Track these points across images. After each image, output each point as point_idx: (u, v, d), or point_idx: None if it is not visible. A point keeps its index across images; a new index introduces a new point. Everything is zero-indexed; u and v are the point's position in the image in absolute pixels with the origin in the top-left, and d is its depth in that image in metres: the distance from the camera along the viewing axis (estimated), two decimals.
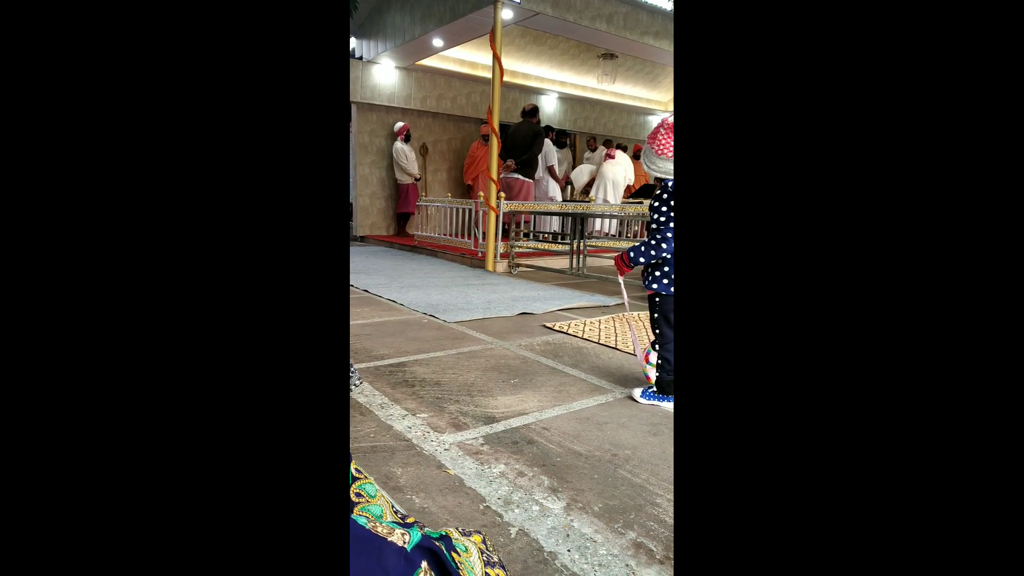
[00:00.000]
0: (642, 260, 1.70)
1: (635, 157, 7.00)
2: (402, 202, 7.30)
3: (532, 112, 5.87)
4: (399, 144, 7.03)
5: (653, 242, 1.68)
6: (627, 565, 0.95)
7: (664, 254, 1.67)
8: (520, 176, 5.84)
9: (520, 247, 5.21)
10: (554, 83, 7.92)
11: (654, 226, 1.69)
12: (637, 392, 1.78)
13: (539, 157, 6.07)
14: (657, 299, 1.74)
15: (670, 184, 1.68)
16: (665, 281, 1.71)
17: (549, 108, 8.35)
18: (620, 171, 6.64)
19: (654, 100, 8.87)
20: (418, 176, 7.20)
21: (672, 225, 1.65)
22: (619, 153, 6.82)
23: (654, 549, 1.00)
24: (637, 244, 1.72)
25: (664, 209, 1.67)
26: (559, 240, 6.21)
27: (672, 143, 1.66)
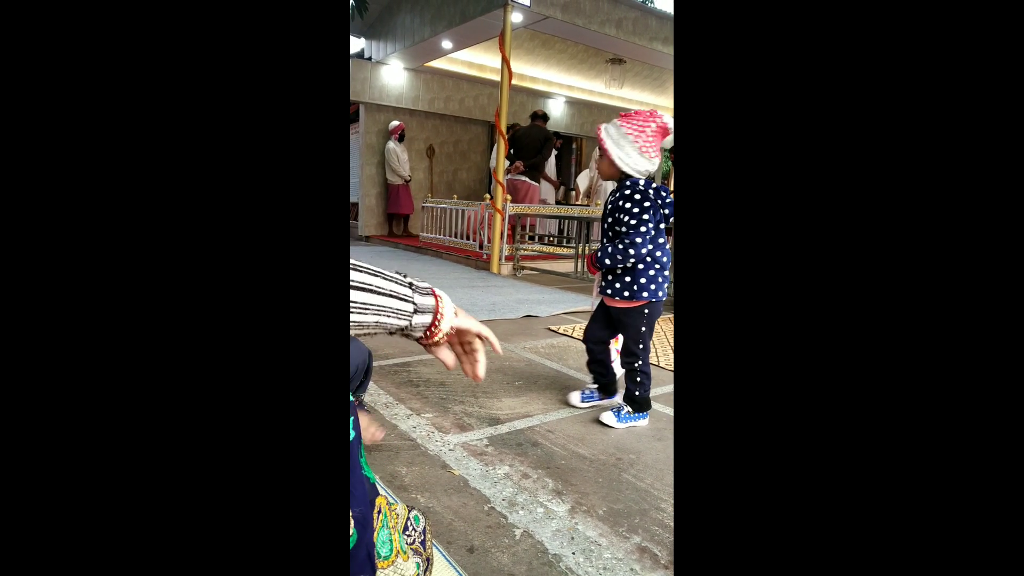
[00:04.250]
0: (608, 263, 1.54)
1: None
2: (392, 203, 7.25)
3: (544, 117, 5.91)
4: (391, 144, 7.00)
5: (622, 246, 1.51)
6: (632, 569, 0.95)
7: (632, 259, 1.52)
8: (526, 179, 5.86)
9: (525, 250, 5.21)
10: (562, 87, 7.93)
11: (623, 228, 1.53)
12: (609, 416, 1.59)
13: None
14: (625, 310, 1.58)
15: (641, 184, 1.54)
16: (627, 294, 1.56)
17: (556, 112, 8.37)
18: None
19: (661, 106, 8.87)
20: (408, 177, 7.16)
21: (643, 229, 1.50)
22: None
23: (658, 554, 1.00)
24: (605, 246, 1.55)
25: (636, 211, 1.51)
26: (564, 243, 6.20)
27: (659, 145, 1.55)
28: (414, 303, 0.63)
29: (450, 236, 5.90)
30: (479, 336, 0.68)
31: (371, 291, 0.58)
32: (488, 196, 5.06)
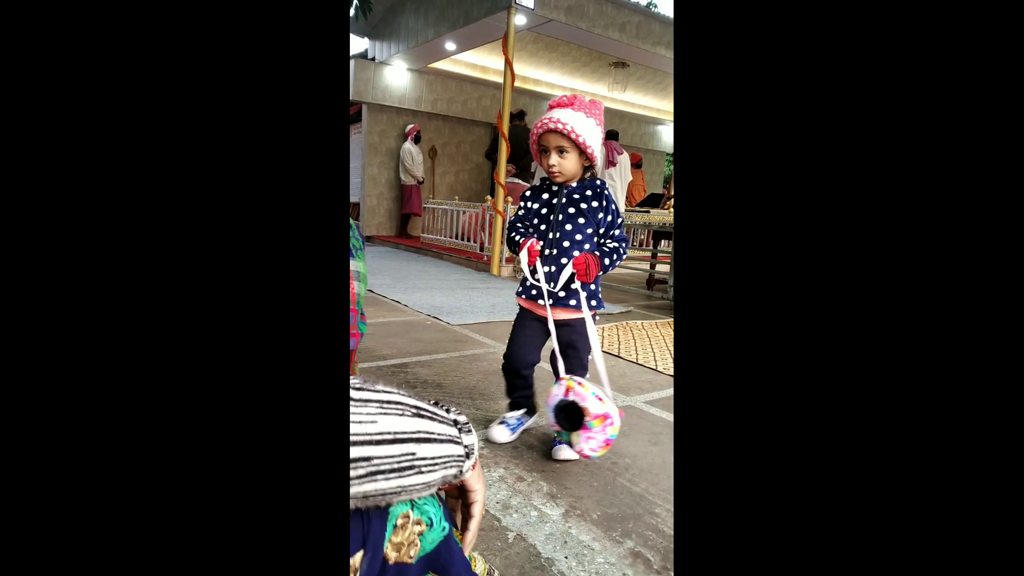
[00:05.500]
0: (609, 266, 1.37)
1: (636, 166, 6.94)
2: (405, 203, 7.33)
3: (521, 115, 5.84)
4: (408, 145, 7.07)
5: (623, 248, 1.36)
6: (624, 574, 0.95)
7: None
8: (520, 181, 5.85)
9: None
10: (564, 89, 7.94)
11: (617, 231, 1.38)
12: (568, 451, 1.34)
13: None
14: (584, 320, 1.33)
15: (599, 185, 1.39)
16: (593, 302, 1.37)
17: None
18: (618, 181, 6.43)
19: (663, 110, 8.88)
20: (422, 179, 7.21)
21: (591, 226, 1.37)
22: (621, 159, 6.53)
23: (652, 559, 0.99)
24: (614, 249, 1.36)
25: (614, 208, 1.37)
26: None
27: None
28: (464, 446, 0.51)
29: (451, 237, 5.90)
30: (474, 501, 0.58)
31: (436, 440, 0.46)
32: (489, 198, 5.06)
